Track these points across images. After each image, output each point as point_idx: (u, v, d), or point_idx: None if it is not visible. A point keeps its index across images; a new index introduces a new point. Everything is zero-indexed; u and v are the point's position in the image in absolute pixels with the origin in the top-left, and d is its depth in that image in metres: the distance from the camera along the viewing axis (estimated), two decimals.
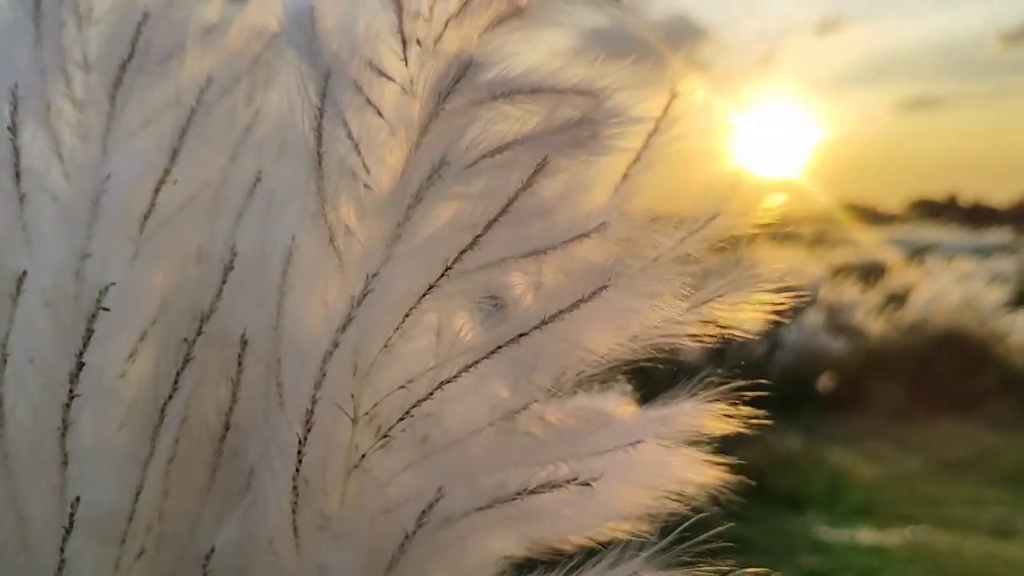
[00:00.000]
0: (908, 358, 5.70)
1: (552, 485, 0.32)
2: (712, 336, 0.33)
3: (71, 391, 0.32)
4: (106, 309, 0.32)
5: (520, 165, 0.31)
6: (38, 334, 0.33)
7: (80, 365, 0.32)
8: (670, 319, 0.33)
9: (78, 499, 0.32)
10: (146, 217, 0.33)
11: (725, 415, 0.35)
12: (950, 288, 6.42)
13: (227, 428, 0.36)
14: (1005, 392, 5.64)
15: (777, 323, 0.35)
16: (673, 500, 0.36)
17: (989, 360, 5.89)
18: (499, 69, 0.32)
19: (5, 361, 0.33)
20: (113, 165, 0.32)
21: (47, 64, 0.33)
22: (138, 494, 0.34)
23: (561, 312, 0.31)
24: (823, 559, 3.48)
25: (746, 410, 0.35)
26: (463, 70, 0.30)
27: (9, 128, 0.30)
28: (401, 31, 0.33)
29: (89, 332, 0.32)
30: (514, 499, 0.33)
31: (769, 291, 0.34)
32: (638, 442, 0.34)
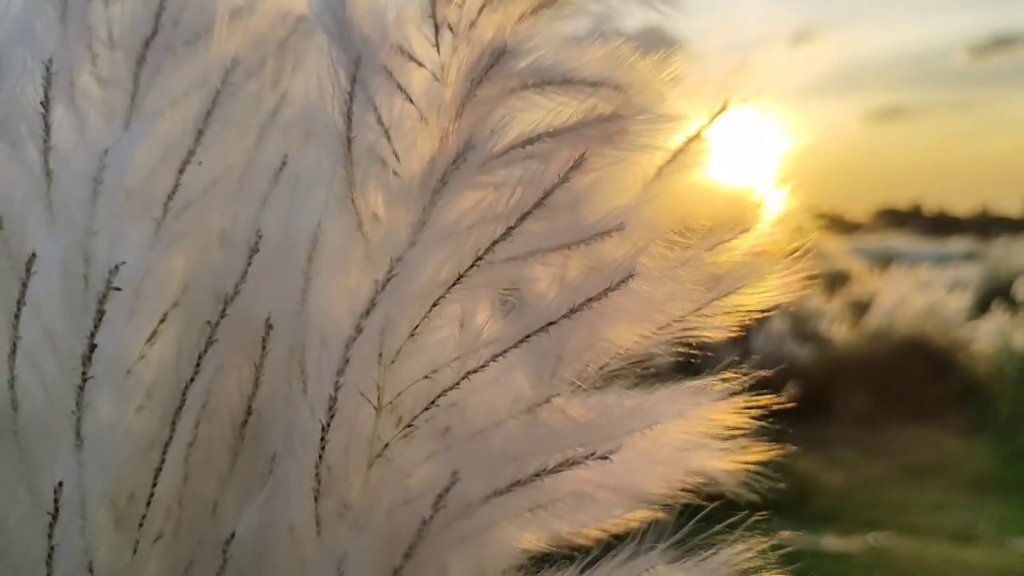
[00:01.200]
0: (873, 365, 5.81)
1: (571, 462, 0.32)
2: (735, 326, 0.34)
3: (84, 373, 0.32)
4: (117, 289, 0.31)
5: (554, 158, 0.31)
6: (54, 314, 0.33)
7: (92, 347, 0.32)
8: (693, 310, 0.33)
9: (60, 484, 0.31)
10: (170, 198, 0.32)
11: (742, 407, 0.36)
12: (914, 296, 6.55)
13: (249, 413, 0.36)
14: (967, 399, 5.78)
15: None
16: (689, 487, 0.36)
17: (952, 367, 6.03)
18: (532, 58, 0.32)
19: (17, 343, 0.33)
20: (136, 145, 0.31)
21: (72, 41, 0.32)
22: (156, 478, 0.34)
23: (589, 301, 0.31)
24: (787, 565, 3.50)
25: (764, 400, 0.35)
26: (496, 57, 0.30)
27: (42, 103, 0.29)
28: (434, 16, 0.32)
29: (100, 312, 0.31)
30: (533, 480, 0.32)
31: (784, 272, 0.35)
32: (655, 423, 0.34)
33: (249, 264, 0.32)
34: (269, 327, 0.34)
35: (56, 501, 0.31)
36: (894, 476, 4.83)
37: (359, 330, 0.31)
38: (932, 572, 3.58)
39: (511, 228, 0.31)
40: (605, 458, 0.31)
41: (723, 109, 0.35)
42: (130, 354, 0.33)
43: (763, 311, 0.34)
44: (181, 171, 0.32)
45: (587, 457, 0.31)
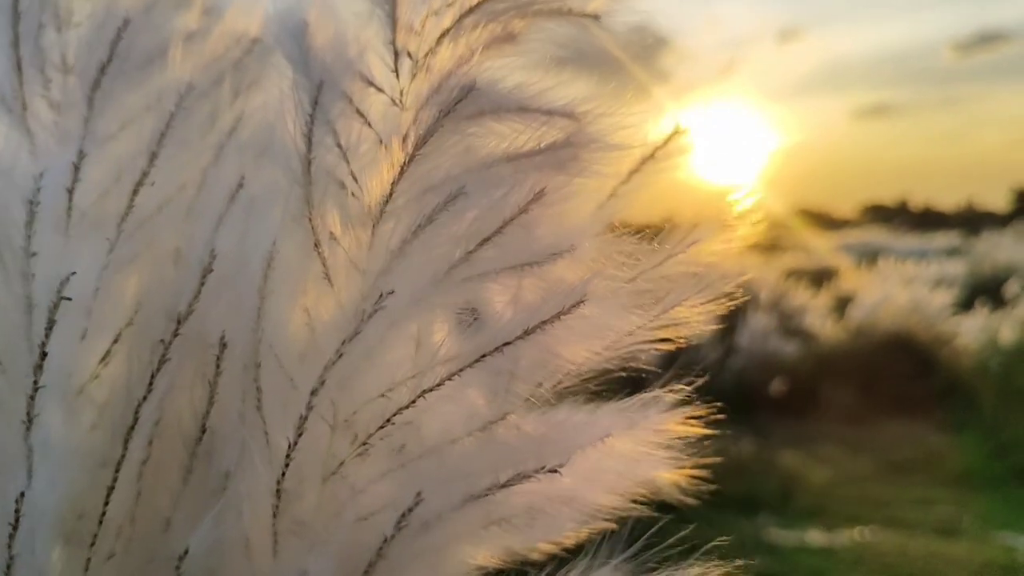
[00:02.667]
0: (858, 362, 5.84)
1: (522, 476, 0.32)
2: (678, 340, 0.34)
3: (35, 382, 0.32)
4: (67, 298, 0.31)
5: (513, 185, 0.32)
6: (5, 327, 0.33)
7: (43, 355, 0.32)
8: (641, 327, 0.34)
9: (22, 494, 0.31)
10: (123, 218, 0.33)
11: (688, 417, 0.36)
12: (899, 292, 6.60)
13: (203, 431, 0.36)
14: (951, 395, 5.82)
15: (730, 324, 0.37)
16: (640, 500, 0.37)
17: (936, 363, 6.07)
18: (492, 89, 0.32)
19: None
20: (83, 166, 0.31)
21: (24, 65, 0.32)
22: (108, 496, 0.34)
23: (543, 323, 0.32)
24: (773, 561, 3.54)
25: (703, 410, 0.36)
26: (466, 92, 0.31)
27: None
28: (393, 43, 0.33)
29: (51, 322, 0.32)
30: (485, 495, 0.33)
31: (727, 289, 0.36)
32: (606, 436, 0.35)
33: (203, 283, 0.32)
34: (224, 346, 0.34)
35: (17, 511, 0.32)
36: (878, 471, 4.87)
37: (339, 355, 0.32)
38: (916, 566, 3.61)
39: (469, 253, 0.32)
40: (555, 471, 0.32)
41: (677, 133, 0.35)
42: (83, 373, 0.34)
43: (705, 323, 0.35)
44: (135, 192, 0.33)
45: (537, 471, 0.32)
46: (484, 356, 0.33)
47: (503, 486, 0.32)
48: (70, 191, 0.30)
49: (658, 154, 0.36)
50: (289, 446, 0.34)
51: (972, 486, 4.90)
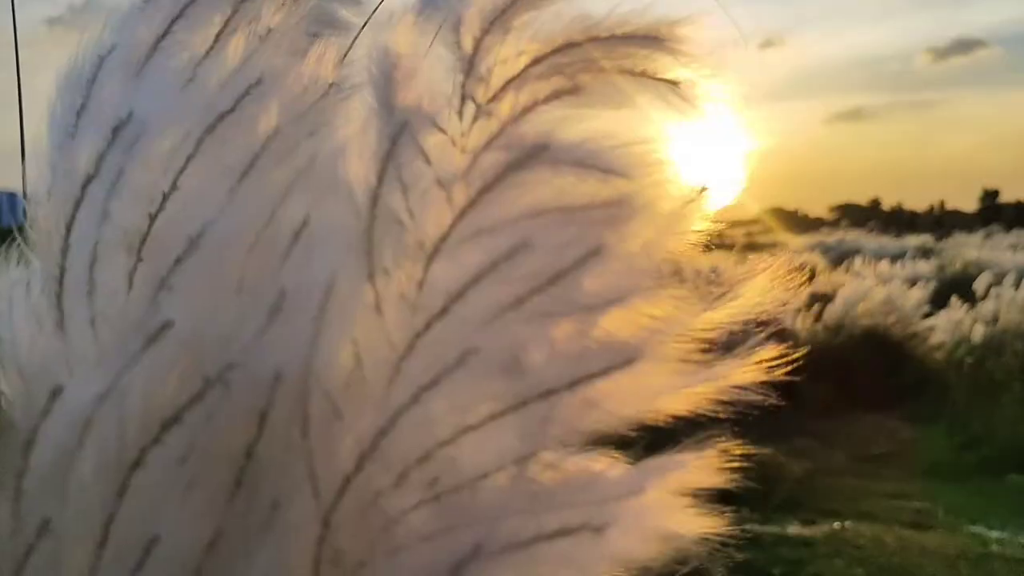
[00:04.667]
0: (833, 358, 5.93)
1: (566, 532, 0.33)
2: (728, 405, 0.35)
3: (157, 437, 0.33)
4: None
5: (573, 239, 0.32)
6: None
7: None
8: (691, 388, 0.34)
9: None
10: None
11: (719, 469, 0.37)
12: (873, 290, 6.71)
13: (248, 457, 0.36)
14: (924, 389, 5.93)
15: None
16: (671, 550, 0.37)
17: (909, 359, 6.18)
18: (559, 145, 0.33)
19: None
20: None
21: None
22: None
23: (591, 376, 0.33)
24: (754, 553, 3.59)
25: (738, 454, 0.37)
26: (540, 150, 0.32)
27: None
28: (463, 88, 0.33)
29: None
30: (528, 546, 0.34)
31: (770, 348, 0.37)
32: (640, 491, 0.36)
33: (269, 319, 0.32)
34: (277, 379, 0.35)
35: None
36: (854, 465, 4.96)
37: (416, 400, 0.32)
38: (891, 557, 3.69)
39: (520, 299, 0.32)
40: (597, 531, 0.32)
41: (704, 191, 0.36)
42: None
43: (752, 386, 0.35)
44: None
45: (582, 527, 0.32)
46: (527, 401, 0.33)
47: (547, 538, 0.33)
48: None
49: (687, 211, 0.37)
50: (345, 476, 0.35)
51: (944, 478, 5.00)
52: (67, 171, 0.32)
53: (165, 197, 0.33)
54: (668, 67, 0.34)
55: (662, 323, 0.33)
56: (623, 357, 0.32)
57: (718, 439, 0.36)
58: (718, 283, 0.36)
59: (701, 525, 0.37)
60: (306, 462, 0.36)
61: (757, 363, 0.36)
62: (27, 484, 0.33)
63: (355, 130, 0.33)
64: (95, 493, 0.31)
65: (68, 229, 0.32)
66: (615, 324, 0.33)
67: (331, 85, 0.34)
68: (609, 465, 0.37)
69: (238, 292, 0.33)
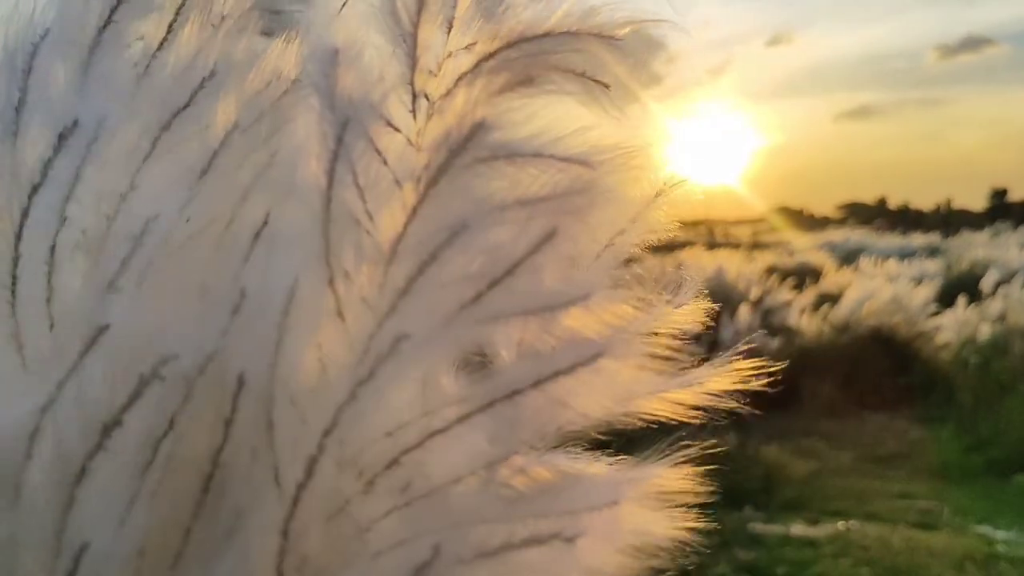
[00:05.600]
0: (839, 357, 5.90)
1: (537, 541, 0.33)
2: (699, 412, 0.35)
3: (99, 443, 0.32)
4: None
5: (524, 226, 0.31)
6: None
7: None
8: (660, 391, 0.34)
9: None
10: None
11: (692, 477, 0.36)
12: (880, 289, 6.67)
13: (215, 466, 0.36)
14: (931, 390, 5.90)
15: (714, 321, 0.37)
16: (646, 558, 0.37)
17: (916, 359, 6.15)
18: (505, 132, 0.32)
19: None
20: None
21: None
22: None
23: (556, 374, 0.32)
24: (759, 553, 3.57)
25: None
26: (476, 130, 0.31)
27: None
28: (412, 84, 0.33)
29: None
30: (498, 554, 0.33)
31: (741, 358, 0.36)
32: (613, 503, 0.35)
33: (231, 320, 0.32)
34: (241, 383, 0.34)
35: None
36: (860, 465, 4.94)
37: (354, 396, 0.32)
38: (897, 558, 3.67)
39: (480, 294, 0.32)
40: (570, 541, 0.32)
41: (671, 184, 0.35)
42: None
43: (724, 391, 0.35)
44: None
45: (552, 537, 0.32)
46: (494, 402, 0.33)
47: (517, 547, 0.32)
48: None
49: (659, 201, 0.36)
50: (298, 484, 0.34)
51: (951, 479, 4.97)
52: (13, 174, 0.31)
53: (122, 198, 0.32)
54: (606, 68, 0.34)
55: (625, 321, 0.32)
56: (588, 353, 0.32)
57: (691, 443, 0.35)
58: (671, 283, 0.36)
59: (676, 533, 0.36)
60: (270, 469, 0.35)
61: (734, 371, 0.35)
62: None
63: (312, 129, 0.32)
64: (45, 504, 0.30)
65: (17, 238, 0.31)
66: (578, 322, 0.33)
67: (293, 82, 0.33)
68: (582, 468, 0.36)
69: (197, 293, 0.32)
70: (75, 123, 0.29)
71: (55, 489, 0.30)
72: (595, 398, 0.33)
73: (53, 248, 0.31)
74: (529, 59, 0.32)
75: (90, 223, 0.34)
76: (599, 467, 0.36)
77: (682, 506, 0.35)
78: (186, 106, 0.31)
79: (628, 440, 0.35)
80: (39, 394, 0.29)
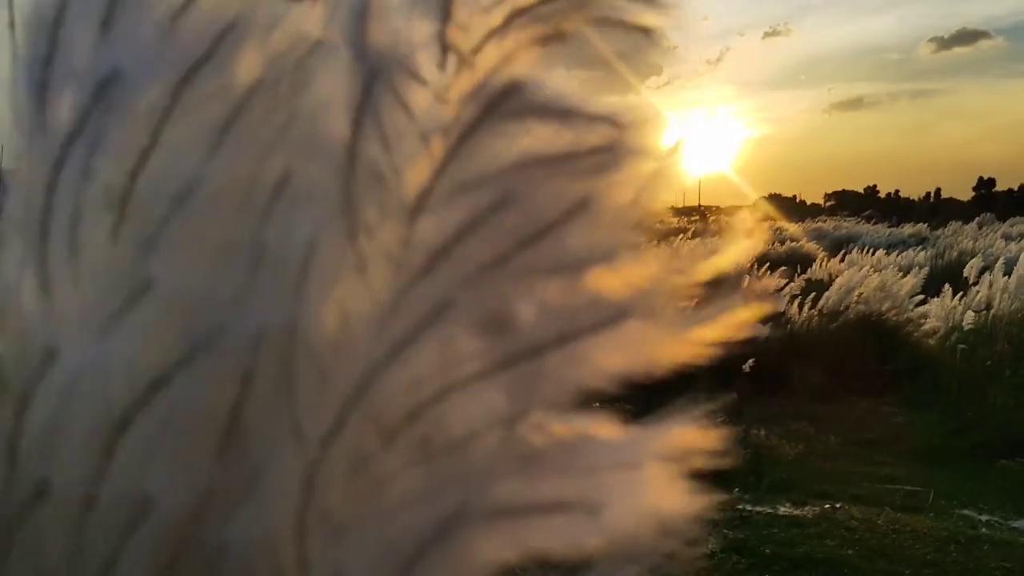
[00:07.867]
0: (828, 343, 5.95)
1: (562, 507, 0.33)
2: (716, 352, 0.35)
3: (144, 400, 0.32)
4: None
5: (557, 192, 0.32)
6: None
7: None
8: (682, 340, 0.34)
9: None
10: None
11: (706, 434, 0.36)
12: (868, 277, 6.72)
13: (233, 421, 0.36)
14: (917, 375, 5.95)
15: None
16: (663, 528, 0.37)
17: (903, 345, 6.20)
18: (536, 88, 0.32)
19: None
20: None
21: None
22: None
23: (581, 333, 0.32)
24: (747, 533, 3.61)
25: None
26: (508, 86, 0.31)
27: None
28: (442, 40, 0.33)
29: None
30: (520, 514, 0.33)
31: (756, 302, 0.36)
32: (636, 466, 0.35)
33: (250, 277, 0.32)
34: (261, 338, 0.34)
35: None
36: (847, 449, 4.99)
37: (388, 354, 0.32)
38: (881, 539, 3.72)
39: (506, 256, 0.32)
40: (594, 511, 0.32)
41: (679, 145, 0.35)
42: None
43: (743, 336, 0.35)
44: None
45: (578, 504, 0.32)
46: (515, 359, 0.33)
47: (541, 511, 0.32)
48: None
49: (668, 164, 0.36)
50: (322, 439, 0.34)
51: (935, 463, 5.03)
52: (44, 129, 0.31)
53: (144, 154, 0.32)
54: (644, 16, 0.34)
55: (651, 281, 0.32)
56: (613, 314, 0.32)
57: (707, 402, 0.35)
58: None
59: (694, 504, 0.36)
60: (291, 423, 0.36)
61: (734, 319, 0.35)
62: (24, 445, 0.33)
63: (337, 85, 0.32)
64: (84, 454, 0.30)
65: (50, 190, 0.32)
66: (603, 282, 0.33)
67: (317, 42, 0.33)
68: (601, 428, 0.36)
69: (222, 250, 0.32)
70: (114, 72, 0.29)
71: (95, 441, 0.30)
72: (617, 355, 0.33)
73: (80, 203, 0.31)
74: (561, 15, 0.32)
75: (112, 178, 0.34)
76: (618, 427, 0.36)
77: (699, 473, 0.35)
78: (206, 59, 0.31)
79: (646, 398, 0.35)
80: (80, 346, 0.30)
